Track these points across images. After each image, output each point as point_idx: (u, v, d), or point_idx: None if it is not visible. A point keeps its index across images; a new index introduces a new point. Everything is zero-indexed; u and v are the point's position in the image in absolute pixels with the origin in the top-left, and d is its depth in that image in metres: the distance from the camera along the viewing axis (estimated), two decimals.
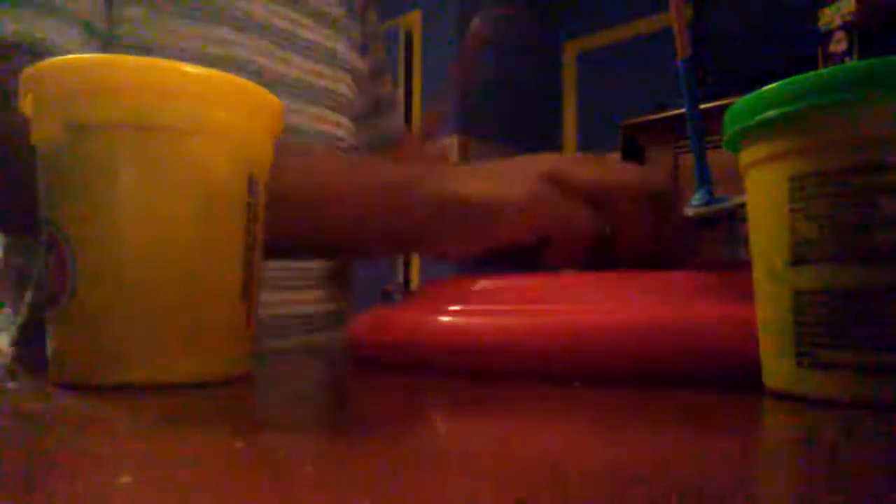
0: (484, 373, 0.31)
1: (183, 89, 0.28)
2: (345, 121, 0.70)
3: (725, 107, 0.26)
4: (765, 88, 0.24)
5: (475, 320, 0.33)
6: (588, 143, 2.83)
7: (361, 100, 0.77)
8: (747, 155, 0.25)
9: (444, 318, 0.34)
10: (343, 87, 0.71)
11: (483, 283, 0.36)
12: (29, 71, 0.28)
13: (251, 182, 0.30)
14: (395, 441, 0.18)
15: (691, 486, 0.14)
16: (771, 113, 0.23)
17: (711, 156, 0.54)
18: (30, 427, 0.20)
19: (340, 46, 0.71)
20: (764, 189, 0.25)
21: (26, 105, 0.29)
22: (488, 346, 0.31)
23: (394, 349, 0.36)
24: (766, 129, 0.24)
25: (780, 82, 0.23)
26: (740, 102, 0.25)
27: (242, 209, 0.29)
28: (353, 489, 0.13)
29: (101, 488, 0.13)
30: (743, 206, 0.36)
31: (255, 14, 0.61)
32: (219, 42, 0.57)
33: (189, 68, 0.28)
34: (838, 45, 1.62)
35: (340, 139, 0.69)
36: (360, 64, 0.75)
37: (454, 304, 0.35)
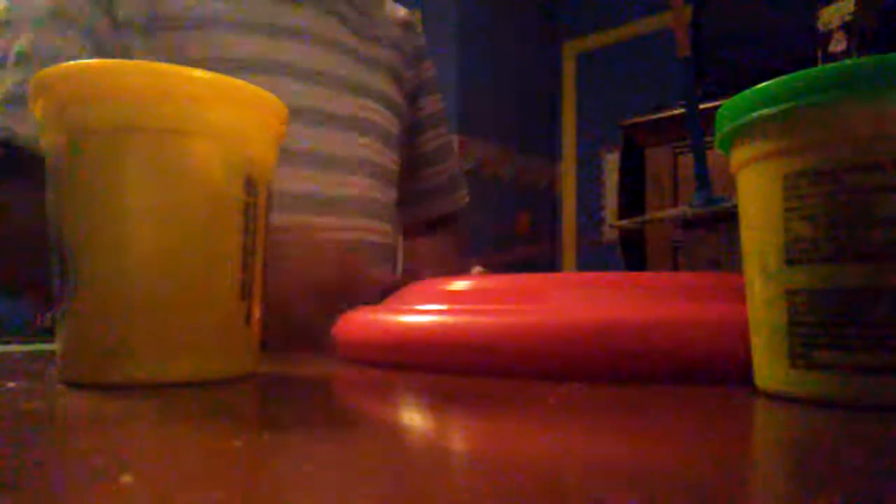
0: (474, 373, 0.31)
1: (181, 91, 0.28)
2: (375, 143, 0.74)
3: None
4: (757, 87, 0.24)
5: (456, 320, 0.33)
6: (588, 144, 2.83)
7: (415, 151, 0.81)
8: (740, 153, 0.25)
9: (418, 319, 0.34)
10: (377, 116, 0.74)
11: (462, 284, 0.37)
12: (37, 78, 0.28)
13: (249, 182, 0.30)
14: (394, 440, 0.18)
15: (688, 487, 0.14)
16: (766, 111, 0.23)
17: (711, 156, 0.54)
18: (30, 426, 0.20)
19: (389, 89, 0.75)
20: (757, 188, 0.24)
21: (36, 111, 0.29)
22: (468, 346, 0.32)
23: (372, 349, 0.36)
24: (761, 128, 0.24)
25: (772, 80, 0.23)
26: (732, 101, 0.25)
27: (240, 209, 0.29)
28: (352, 488, 0.13)
29: (102, 487, 0.13)
30: None
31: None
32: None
33: (187, 70, 0.28)
34: (838, 45, 1.62)
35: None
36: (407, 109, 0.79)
37: (433, 304, 0.36)
